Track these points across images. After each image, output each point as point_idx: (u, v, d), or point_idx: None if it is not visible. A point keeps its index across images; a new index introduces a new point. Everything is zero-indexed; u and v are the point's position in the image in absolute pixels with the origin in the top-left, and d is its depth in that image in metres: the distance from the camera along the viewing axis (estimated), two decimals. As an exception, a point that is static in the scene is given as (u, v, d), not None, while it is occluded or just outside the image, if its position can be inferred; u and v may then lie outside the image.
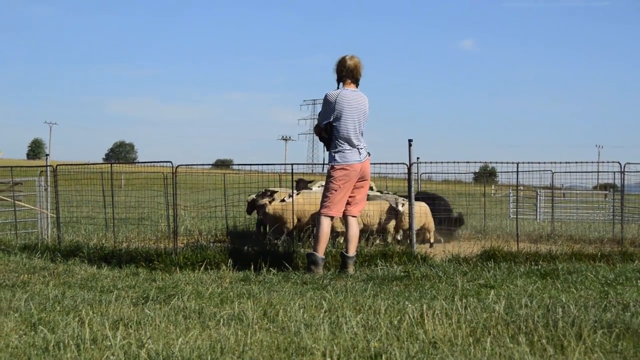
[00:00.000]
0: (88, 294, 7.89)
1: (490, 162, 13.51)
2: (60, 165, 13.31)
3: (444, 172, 12.62)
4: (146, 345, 5.28)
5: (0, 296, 7.50)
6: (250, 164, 12.50)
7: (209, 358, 4.94)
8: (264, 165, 12.24)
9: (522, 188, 22.17)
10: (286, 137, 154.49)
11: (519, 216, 12.99)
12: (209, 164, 16.57)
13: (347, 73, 9.57)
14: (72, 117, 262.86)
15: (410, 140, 10.90)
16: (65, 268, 10.06)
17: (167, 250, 10.55)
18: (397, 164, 11.13)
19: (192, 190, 17.02)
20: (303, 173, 13.47)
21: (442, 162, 11.86)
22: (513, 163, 11.75)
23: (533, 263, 10.09)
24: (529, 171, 13.45)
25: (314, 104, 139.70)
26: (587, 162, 12.60)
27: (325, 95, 9.53)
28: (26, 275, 9.50)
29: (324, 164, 9.90)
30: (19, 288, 8.39)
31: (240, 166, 14.46)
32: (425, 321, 5.99)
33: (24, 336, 5.71)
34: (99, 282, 8.79)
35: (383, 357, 4.79)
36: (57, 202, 12.73)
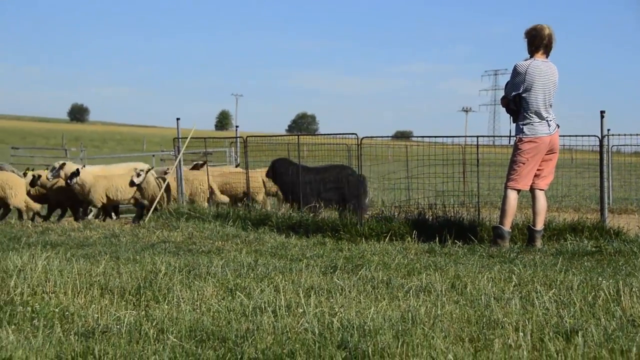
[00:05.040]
0: (279, 262, 8.16)
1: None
2: (250, 136, 13.77)
3: (637, 145, 12.07)
4: (338, 314, 5.41)
5: (199, 262, 7.88)
6: (435, 136, 12.46)
7: (400, 328, 4.99)
8: (447, 138, 12.20)
9: None
10: (467, 108, 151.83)
11: None
12: (388, 136, 16.66)
13: (543, 43, 9.28)
14: (256, 89, 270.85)
15: (602, 112, 10.49)
16: (255, 236, 10.44)
17: (352, 221, 10.72)
18: (589, 136, 10.75)
19: (372, 162, 17.16)
20: (485, 145, 13.25)
21: (637, 135, 11.35)
22: None
23: None
24: None
25: (496, 74, 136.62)
26: None
27: (515, 66, 9.31)
28: (220, 242, 9.96)
29: (510, 136, 9.71)
30: (215, 254, 8.80)
31: (424, 138, 14.40)
32: (622, 298, 5.79)
33: (222, 301, 5.99)
34: (288, 251, 9.06)
35: (579, 334, 4.66)
36: (247, 171, 13.19)
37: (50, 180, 13.88)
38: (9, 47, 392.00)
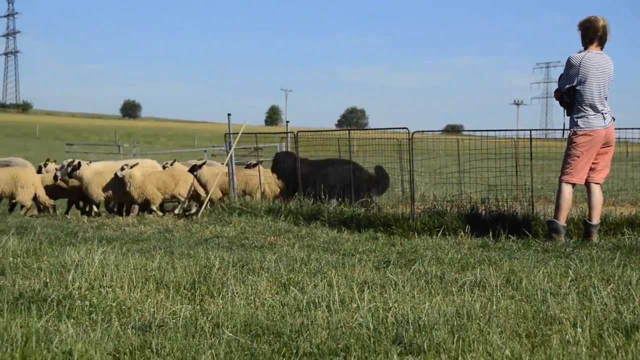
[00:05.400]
0: (331, 256, 8.16)
1: None
2: (300, 131, 13.79)
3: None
4: (392, 309, 5.40)
5: (252, 257, 7.92)
6: (487, 130, 12.33)
7: (455, 323, 4.96)
8: (499, 132, 12.06)
9: None
10: (518, 101, 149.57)
11: None
12: (439, 130, 16.55)
13: (597, 35, 9.13)
14: (306, 84, 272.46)
15: (659, 103, 10.31)
16: (307, 231, 10.46)
17: (404, 215, 10.68)
18: (645, 128, 10.57)
19: (423, 156, 17.09)
20: (538, 139, 13.08)
21: (695, 126, 11.10)
22: None
23: None
24: None
25: (548, 67, 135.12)
26: None
27: (569, 58, 9.17)
28: (272, 237, 9.99)
29: (564, 129, 9.56)
30: (267, 249, 8.84)
31: (475, 132, 14.26)
32: (682, 294, 5.68)
33: (276, 295, 6.02)
34: (341, 246, 9.06)
35: (639, 330, 4.59)
36: (298, 167, 13.22)
37: (60, 178, 14.12)
38: (63, 45, 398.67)
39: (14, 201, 14.36)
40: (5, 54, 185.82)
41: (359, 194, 12.80)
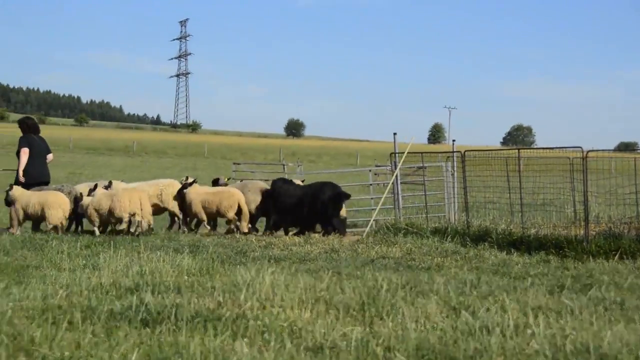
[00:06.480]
0: (501, 279, 7.95)
1: None
2: (468, 151, 13.57)
3: None
4: (570, 336, 5.16)
5: (420, 278, 7.82)
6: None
7: (641, 354, 4.68)
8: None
9: None
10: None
11: None
12: (614, 149, 15.84)
13: None
14: (468, 101, 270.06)
15: None
16: (475, 253, 10.25)
17: (577, 237, 10.28)
18: None
19: (596, 176, 16.44)
20: None
21: None
22: None
23: None
24: None
25: None
26: None
27: None
28: (439, 259, 9.85)
29: None
30: (435, 271, 8.71)
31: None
32: None
33: (446, 319, 5.89)
34: (511, 269, 8.82)
35: None
36: (465, 187, 13.01)
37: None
38: (230, 66, 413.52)
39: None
40: (177, 75, 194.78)
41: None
